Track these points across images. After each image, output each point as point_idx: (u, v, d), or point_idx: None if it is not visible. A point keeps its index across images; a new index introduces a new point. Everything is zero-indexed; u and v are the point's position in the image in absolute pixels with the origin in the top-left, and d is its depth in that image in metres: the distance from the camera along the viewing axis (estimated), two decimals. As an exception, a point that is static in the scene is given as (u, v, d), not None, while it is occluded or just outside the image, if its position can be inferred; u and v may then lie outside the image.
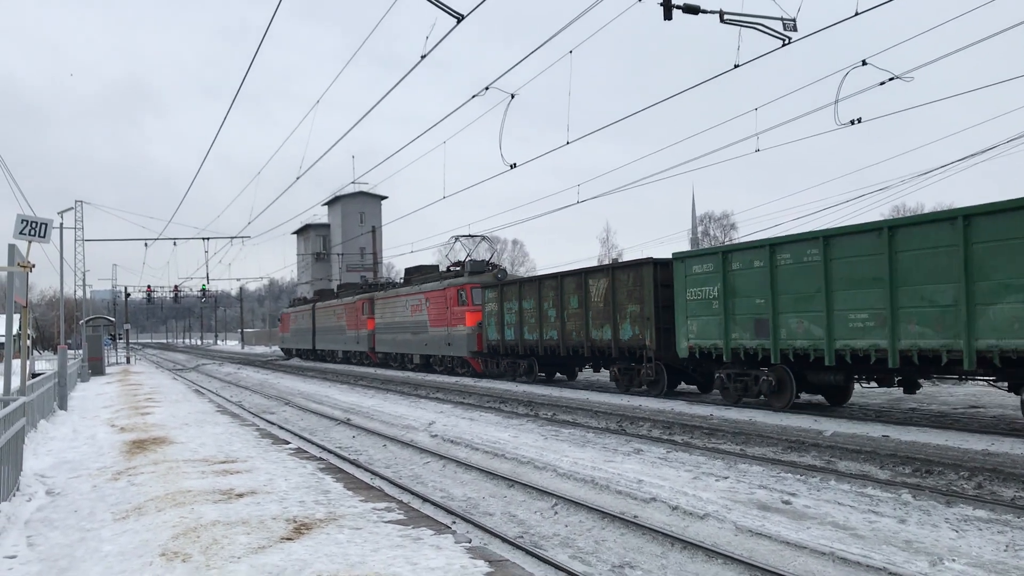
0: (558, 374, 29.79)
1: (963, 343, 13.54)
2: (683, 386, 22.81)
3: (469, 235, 36.23)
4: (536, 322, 27.23)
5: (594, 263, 51.26)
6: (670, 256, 20.80)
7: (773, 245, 17.55)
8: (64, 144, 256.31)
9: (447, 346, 34.14)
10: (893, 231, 14.98)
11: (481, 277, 32.89)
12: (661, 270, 21.47)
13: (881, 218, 28.33)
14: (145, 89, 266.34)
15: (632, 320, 22.45)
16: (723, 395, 19.38)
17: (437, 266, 44.42)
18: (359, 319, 45.03)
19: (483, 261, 35.11)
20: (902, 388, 16.57)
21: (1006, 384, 14.52)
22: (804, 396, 18.51)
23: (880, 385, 17.03)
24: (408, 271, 44.27)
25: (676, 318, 20.31)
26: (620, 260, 21.90)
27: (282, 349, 68.36)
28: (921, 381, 16.91)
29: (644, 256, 22.01)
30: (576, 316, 25.04)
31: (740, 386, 18.69)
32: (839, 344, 15.88)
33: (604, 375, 27.14)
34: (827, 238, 16.14)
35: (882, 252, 14.92)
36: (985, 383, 16.32)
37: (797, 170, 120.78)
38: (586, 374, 30.78)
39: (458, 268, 35.72)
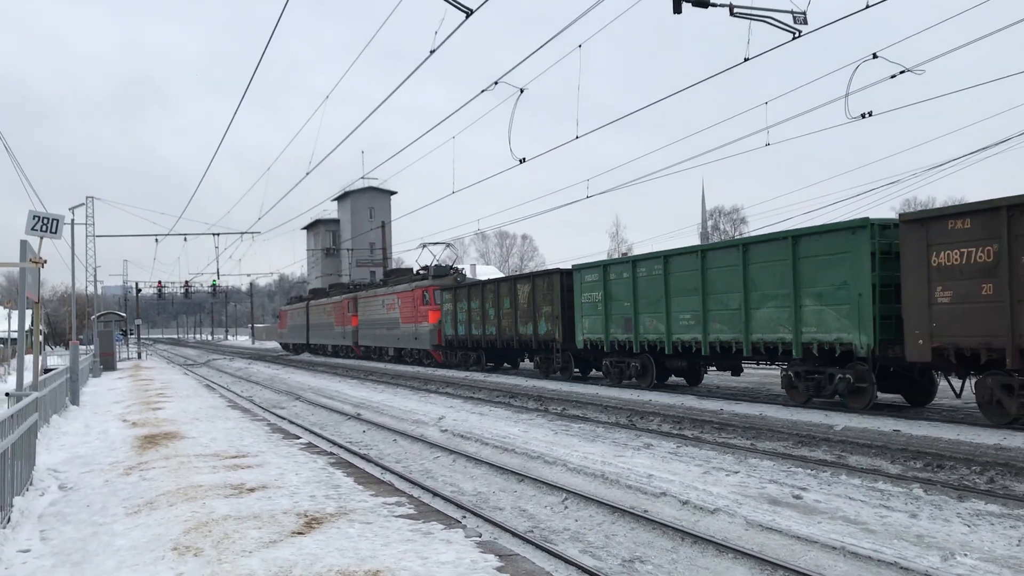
0: (505, 364, 33.98)
1: (743, 337, 18.45)
2: (595, 373, 27.23)
3: (436, 242, 41.63)
4: (480, 320, 31.81)
5: (604, 257, 53.50)
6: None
7: (634, 261, 22.56)
8: (73, 140, 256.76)
9: (414, 340, 38.84)
10: (704, 253, 19.88)
11: (442, 280, 37.34)
12: (567, 278, 26.20)
13: (892, 213, 28.42)
14: (152, 84, 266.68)
15: (546, 319, 27.30)
16: (608, 378, 23.99)
17: (411, 269, 48.15)
18: (345, 316, 49.75)
19: (446, 266, 39.68)
20: (730, 372, 22.31)
21: (775, 364, 19.98)
22: (673, 379, 23.36)
23: (720, 370, 22.91)
24: (386, 273, 50.59)
25: (575, 317, 25.07)
26: (581, 263, 25.81)
27: (280, 344, 72.47)
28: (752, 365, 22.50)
29: (653, 251, 22.62)
30: (508, 315, 29.72)
31: (618, 371, 23.53)
32: (674, 337, 20.71)
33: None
34: (666, 257, 21.13)
35: (697, 269, 19.73)
36: (755, 364, 21.66)
37: (808, 164, 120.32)
38: (528, 363, 33.98)
39: (425, 272, 39.89)
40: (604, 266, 23.99)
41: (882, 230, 15.79)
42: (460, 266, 47.74)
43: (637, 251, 67.18)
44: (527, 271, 33.39)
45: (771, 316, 17.72)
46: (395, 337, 41.49)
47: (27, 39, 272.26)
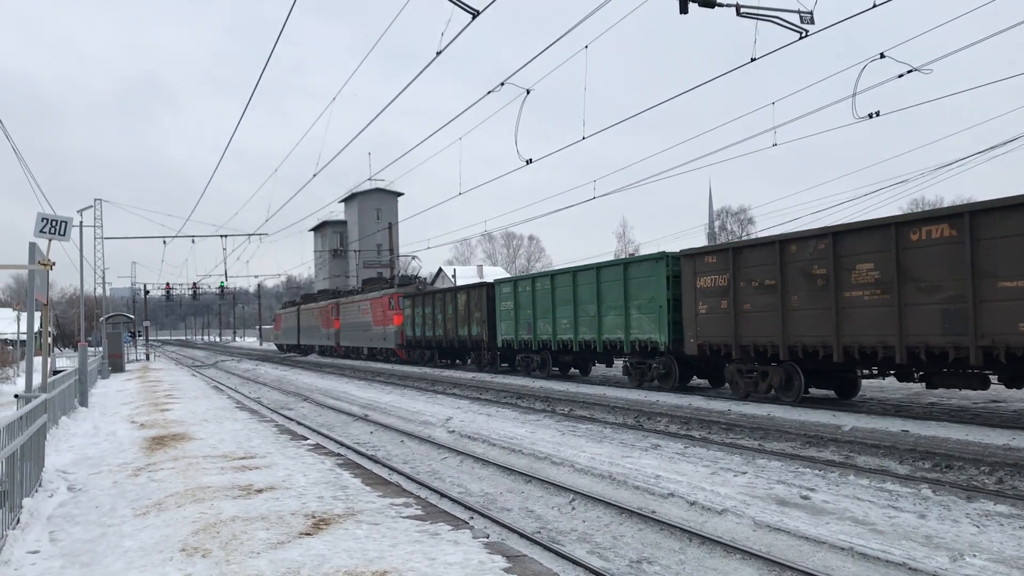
0: (457, 360, 38.85)
1: (597, 337, 24.67)
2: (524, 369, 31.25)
3: (404, 255, 52.59)
4: (432, 323, 37.94)
5: (610, 258, 54.99)
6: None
7: (534, 278, 28.90)
8: (79, 141, 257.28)
9: (383, 340, 45.00)
10: (575, 274, 26.02)
11: (406, 288, 44.09)
12: (491, 290, 32.21)
13: (899, 211, 28.57)
14: (157, 85, 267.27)
15: (477, 323, 33.47)
16: (522, 370, 30.36)
17: (385, 278, 54.86)
18: (329, 319, 55.80)
19: (411, 276, 49.66)
20: (605, 364, 29.05)
21: (619, 358, 26.52)
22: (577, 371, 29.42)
23: (609, 365, 29.67)
24: (364, 281, 57.11)
25: (496, 322, 31.38)
26: (551, 268, 31.43)
27: (275, 344, 78.81)
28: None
29: (658, 251, 22.91)
30: (451, 320, 35.78)
31: (525, 364, 29.99)
32: (558, 338, 26.92)
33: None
34: (552, 276, 27.49)
35: (570, 286, 26.07)
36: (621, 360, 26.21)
37: (815, 164, 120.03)
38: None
39: (390, 280, 47.90)
40: (514, 281, 30.53)
41: (675, 260, 21.56)
42: (420, 275, 57.71)
43: (644, 251, 67.87)
44: (465, 284, 38.85)
45: (613, 322, 23.99)
46: (368, 338, 47.56)
47: (32, 39, 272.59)
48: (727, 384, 20.07)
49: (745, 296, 18.62)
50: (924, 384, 15.75)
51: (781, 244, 17.63)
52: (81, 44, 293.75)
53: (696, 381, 23.23)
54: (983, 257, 13.58)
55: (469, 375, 31.02)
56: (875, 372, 17.07)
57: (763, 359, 18.53)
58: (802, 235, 17.36)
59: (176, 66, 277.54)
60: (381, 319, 44.92)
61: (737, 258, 18.90)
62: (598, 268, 24.90)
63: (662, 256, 22.00)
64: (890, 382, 19.91)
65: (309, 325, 61.96)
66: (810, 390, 18.29)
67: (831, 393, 18.86)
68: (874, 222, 15.82)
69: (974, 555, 7.50)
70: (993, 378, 14.70)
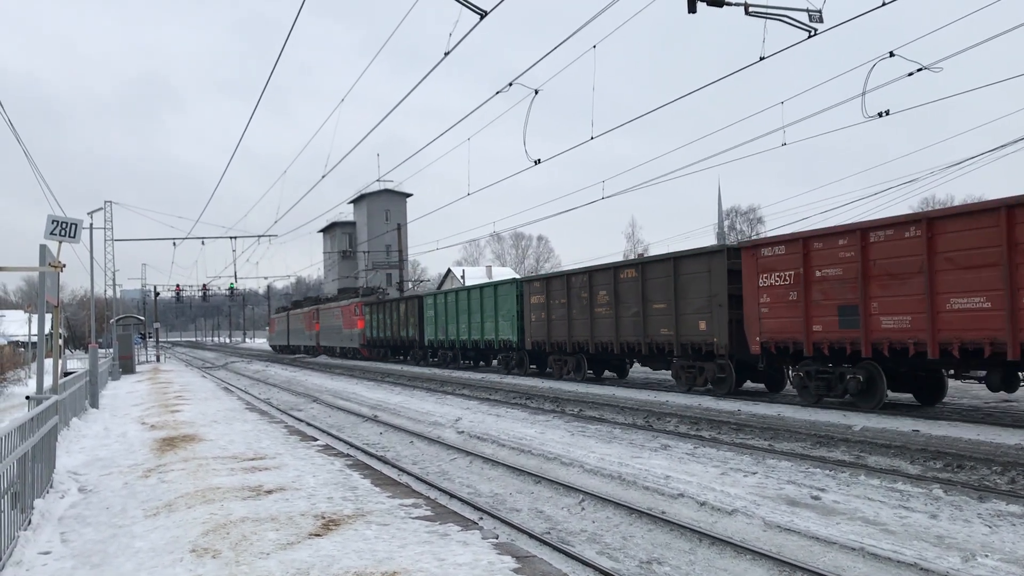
0: (400, 356, 46.87)
1: (494, 338, 32.49)
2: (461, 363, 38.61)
3: (376, 265, 60.91)
4: (384, 326, 46.63)
5: (620, 258, 56.24)
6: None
7: (445, 293, 38.33)
8: (85, 142, 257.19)
9: (350, 340, 53.15)
10: (469, 292, 35.21)
11: (368, 298, 52.25)
12: (421, 301, 41.00)
13: (909, 210, 28.43)
14: (162, 85, 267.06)
15: (412, 326, 42.05)
16: (441, 364, 38.99)
17: (355, 288, 64.18)
18: (311, 323, 63.39)
19: (373, 287, 58.34)
20: (492, 358, 36.71)
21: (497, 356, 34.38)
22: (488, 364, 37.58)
23: (493, 358, 35.92)
24: (339, 290, 68.86)
25: (424, 326, 40.34)
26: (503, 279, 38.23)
27: (270, 345, 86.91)
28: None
29: (668, 251, 23.01)
30: (395, 324, 44.73)
31: (443, 359, 39.01)
32: (461, 338, 35.88)
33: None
34: (456, 292, 36.78)
35: (466, 300, 35.06)
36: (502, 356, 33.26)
37: (825, 162, 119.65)
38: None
39: (357, 290, 58.23)
40: (434, 295, 39.94)
41: (521, 283, 31.09)
42: (383, 286, 66.50)
43: (653, 251, 68.22)
44: (408, 295, 49.11)
45: (489, 326, 32.93)
46: (340, 338, 55.61)
47: (32, 39, 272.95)
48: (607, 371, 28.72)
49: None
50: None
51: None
52: (82, 44, 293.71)
53: (591, 373, 27.93)
54: (648, 290, 22.84)
55: (544, 384, 28.89)
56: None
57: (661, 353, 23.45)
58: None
59: (179, 66, 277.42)
60: (349, 323, 53.15)
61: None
62: (481, 288, 34.28)
63: (514, 281, 32.47)
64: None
65: (296, 328, 69.88)
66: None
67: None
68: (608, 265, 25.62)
69: (986, 555, 7.46)
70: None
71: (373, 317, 48.27)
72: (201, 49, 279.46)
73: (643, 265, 23.24)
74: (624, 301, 23.65)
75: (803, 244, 17.34)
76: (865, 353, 15.96)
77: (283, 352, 74.97)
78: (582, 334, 25.87)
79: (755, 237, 22.94)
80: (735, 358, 19.84)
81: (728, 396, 19.79)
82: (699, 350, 20.70)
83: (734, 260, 19.57)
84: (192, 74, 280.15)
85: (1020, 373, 14.80)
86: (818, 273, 17.01)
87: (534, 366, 31.19)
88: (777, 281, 18.06)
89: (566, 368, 27.59)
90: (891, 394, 16.79)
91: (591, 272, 25.56)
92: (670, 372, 22.75)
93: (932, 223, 14.89)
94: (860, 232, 16.16)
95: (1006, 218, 13.69)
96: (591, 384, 25.60)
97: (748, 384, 21.35)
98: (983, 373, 15.16)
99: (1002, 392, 14.99)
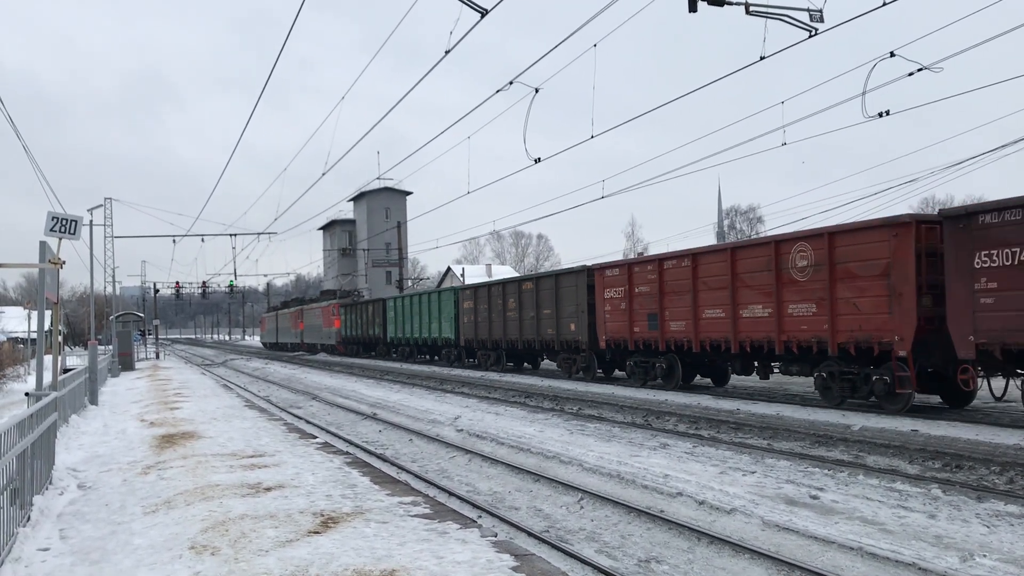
0: (375, 354, 50.56)
1: (439, 336, 38.30)
2: (428, 359, 43.67)
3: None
4: (356, 325, 52.70)
5: (618, 257, 57.68)
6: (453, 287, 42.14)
7: (403, 298, 43.75)
8: (85, 139, 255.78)
9: (329, 338, 58.55)
10: (420, 297, 41.47)
11: (344, 300, 59.61)
12: (384, 304, 46.87)
13: (909, 210, 28.52)
14: (161, 81, 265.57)
15: (378, 326, 47.58)
16: (400, 358, 44.30)
17: (333, 291, 71.14)
18: (296, 322, 68.89)
19: (349, 290, 67.00)
20: (435, 353, 42.12)
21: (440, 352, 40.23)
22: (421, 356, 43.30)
23: (437, 355, 41.55)
24: (321, 292, 78.04)
25: (388, 325, 45.82)
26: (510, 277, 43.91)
27: (262, 343, 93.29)
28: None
29: (671, 251, 23.38)
30: (365, 323, 50.66)
31: (403, 353, 44.38)
32: (415, 335, 41.40)
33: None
34: (408, 296, 43.14)
35: (426, 303, 39.96)
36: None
37: (826, 161, 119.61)
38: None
39: (335, 292, 66.67)
40: (394, 299, 45.51)
41: (457, 292, 36.94)
42: (359, 288, 75.53)
43: (653, 251, 68.97)
44: (373, 299, 55.86)
45: (435, 326, 38.65)
46: (320, 336, 61.19)
47: (30, 36, 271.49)
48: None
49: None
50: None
51: None
52: (81, 40, 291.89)
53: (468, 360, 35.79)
54: (540, 299, 28.46)
55: (543, 383, 29.92)
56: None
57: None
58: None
59: (178, 62, 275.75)
60: (328, 322, 58.75)
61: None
62: (428, 295, 40.71)
63: (452, 289, 38.35)
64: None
65: (284, 327, 75.58)
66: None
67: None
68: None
69: (984, 555, 7.47)
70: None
71: (348, 317, 54.38)
72: (200, 45, 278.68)
73: (537, 279, 29.57)
74: (525, 307, 29.46)
75: (629, 268, 23.48)
76: (662, 348, 21.85)
77: (273, 348, 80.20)
78: (499, 333, 31.77)
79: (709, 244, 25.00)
80: (594, 352, 25.65)
81: (594, 381, 25.61)
82: (572, 346, 26.66)
83: (591, 278, 25.32)
84: (191, 71, 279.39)
85: (755, 363, 19.82)
86: (637, 290, 22.77)
87: (473, 360, 35.37)
88: (615, 295, 23.83)
89: (490, 360, 33.08)
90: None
91: (504, 284, 32.31)
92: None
93: (696, 257, 20.57)
94: (659, 261, 22.10)
95: (731, 256, 19.26)
96: (602, 384, 25.64)
97: (617, 372, 26.78)
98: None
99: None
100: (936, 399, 16.94)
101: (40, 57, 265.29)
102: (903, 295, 15.03)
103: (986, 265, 13.85)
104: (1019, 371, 14.47)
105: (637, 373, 23.37)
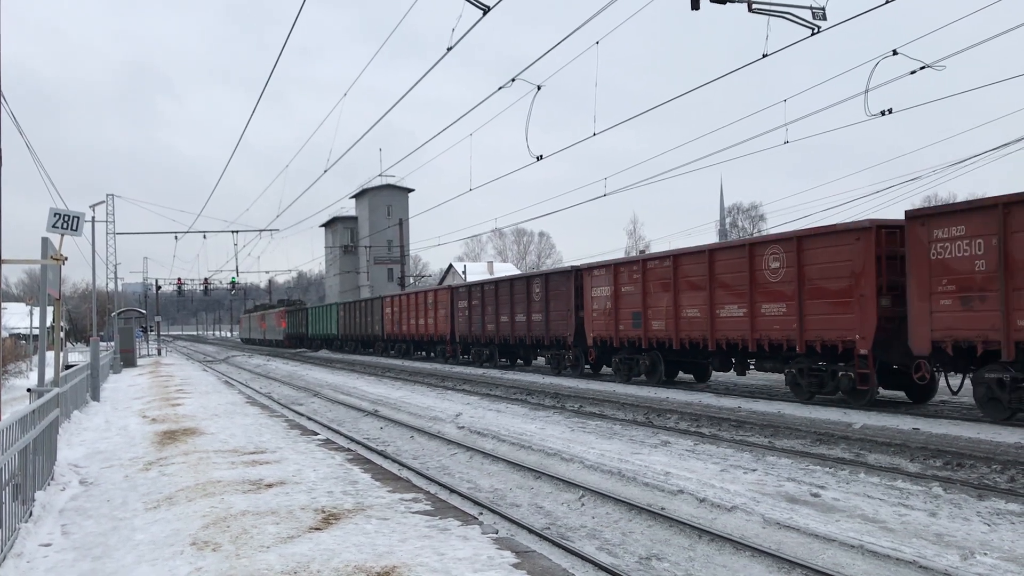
0: (304, 345, 67.59)
1: (325, 334, 62.90)
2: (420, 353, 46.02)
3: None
4: (296, 326, 70.32)
5: (621, 255, 57.35)
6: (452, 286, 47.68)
7: (318, 308, 69.00)
8: (84, 135, 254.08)
9: (278, 335, 75.46)
10: (337, 306, 60.18)
11: (289, 308, 76.70)
12: (308, 310, 71.13)
13: (911, 206, 28.65)
14: (156, 74, 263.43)
15: (304, 326, 68.39)
16: (311, 348, 64.85)
17: (286, 300, 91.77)
18: (261, 322, 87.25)
19: (294, 299, 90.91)
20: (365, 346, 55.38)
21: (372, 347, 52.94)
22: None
23: (370, 347, 52.53)
24: (278, 301, 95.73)
25: (309, 326, 66.76)
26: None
27: (240, 339, 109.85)
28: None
29: (673, 248, 23.41)
30: (298, 324, 69.50)
31: (310, 346, 66.14)
32: (320, 333, 63.57)
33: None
34: (329, 306, 65.16)
35: (336, 312, 59.17)
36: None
37: (828, 159, 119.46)
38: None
39: (285, 300, 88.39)
40: (311, 308, 68.53)
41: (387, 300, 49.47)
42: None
43: (654, 249, 68.90)
44: (335, 302, 70.51)
45: (324, 327, 60.16)
46: (275, 334, 78.07)
47: (20, 27, 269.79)
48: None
49: None
50: None
51: None
52: (73, 32, 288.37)
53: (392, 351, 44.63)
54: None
55: (544, 380, 30.94)
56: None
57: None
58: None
59: (172, 53, 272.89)
60: (279, 323, 76.26)
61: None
62: (323, 307, 57.61)
63: (378, 297, 49.31)
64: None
65: (254, 326, 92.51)
66: None
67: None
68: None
69: (985, 553, 7.47)
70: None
71: (290, 320, 73.20)
72: (193, 35, 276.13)
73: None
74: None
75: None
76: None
77: (247, 343, 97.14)
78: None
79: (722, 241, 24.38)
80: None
81: (581, 377, 26.79)
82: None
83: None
84: (185, 61, 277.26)
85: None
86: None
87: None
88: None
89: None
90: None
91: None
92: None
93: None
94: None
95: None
96: (591, 380, 25.67)
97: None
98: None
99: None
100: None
101: (32, 48, 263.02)
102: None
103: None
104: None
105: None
